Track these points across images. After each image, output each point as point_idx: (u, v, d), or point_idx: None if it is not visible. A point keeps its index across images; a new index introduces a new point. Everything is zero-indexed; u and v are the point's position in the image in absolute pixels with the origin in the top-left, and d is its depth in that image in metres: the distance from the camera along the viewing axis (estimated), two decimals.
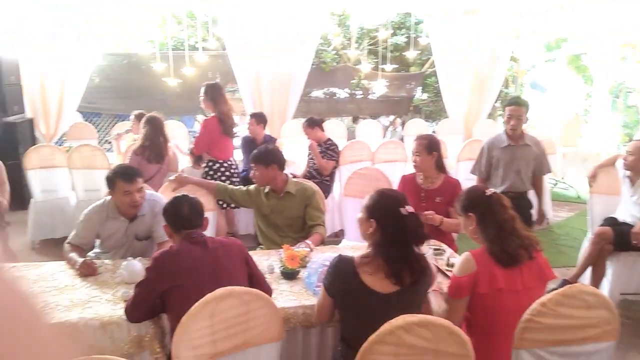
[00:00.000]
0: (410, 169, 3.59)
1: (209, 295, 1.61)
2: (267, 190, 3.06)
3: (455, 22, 6.57)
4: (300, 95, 6.86)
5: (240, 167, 4.63)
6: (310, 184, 3.20)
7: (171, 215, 2.18)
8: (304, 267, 2.44)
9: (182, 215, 2.13)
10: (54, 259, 2.98)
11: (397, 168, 4.97)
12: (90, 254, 2.81)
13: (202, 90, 4.21)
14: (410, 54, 6.85)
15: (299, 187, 3.04)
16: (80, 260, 2.48)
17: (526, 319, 1.77)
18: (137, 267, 2.34)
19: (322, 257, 2.41)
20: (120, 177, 2.65)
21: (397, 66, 7.25)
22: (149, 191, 2.87)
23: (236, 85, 6.69)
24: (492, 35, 6.64)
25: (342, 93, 8.82)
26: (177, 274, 1.95)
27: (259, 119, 4.83)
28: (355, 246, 2.92)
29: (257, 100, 6.67)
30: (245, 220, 4.90)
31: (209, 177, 4.12)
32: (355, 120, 9.94)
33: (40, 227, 4.68)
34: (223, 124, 4.18)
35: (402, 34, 8.01)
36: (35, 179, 4.62)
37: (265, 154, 2.97)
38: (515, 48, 7.71)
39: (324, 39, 7.44)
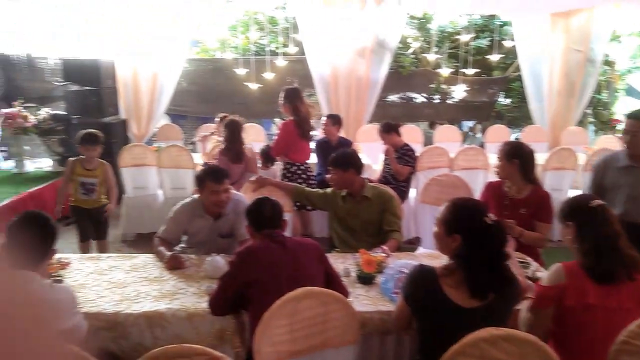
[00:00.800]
0: (493, 177, 3.46)
1: (289, 294, 1.65)
2: (343, 193, 3.07)
3: (544, 24, 6.24)
4: (377, 99, 6.85)
5: (315, 170, 4.70)
6: (388, 189, 3.18)
7: (254, 216, 2.24)
8: (380, 272, 2.42)
9: (265, 216, 2.19)
10: (142, 251, 3.20)
11: (477, 176, 4.81)
12: (177, 248, 2.97)
13: (281, 94, 4.31)
14: (494, 58, 6.60)
15: (376, 191, 3.03)
16: (169, 254, 2.63)
17: (622, 340, 1.64)
18: (220, 263, 2.44)
19: (399, 264, 2.38)
20: (210, 177, 2.78)
21: (478, 70, 7.02)
22: (233, 191, 2.99)
23: (313, 89, 6.79)
24: (585, 37, 6.24)
25: (419, 97, 8.68)
26: (257, 268, 2.02)
27: (335, 120, 4.85)
28: (432, 254, 2.85)
29: (333, 104, 6.74)
30: (320, 222, 4.95)
31: (286, 180, 4.21)
32: (432, 125, 9.74)
33: (130, 222, 5.01)
34: (300, 128, 4.26)
35: (485, 37, 7.75)
36: (128, 176, 4.95)
37: (343, 158, 2.99)
38: (610, 51, 7.19)
39: (403, 43, 7.36)
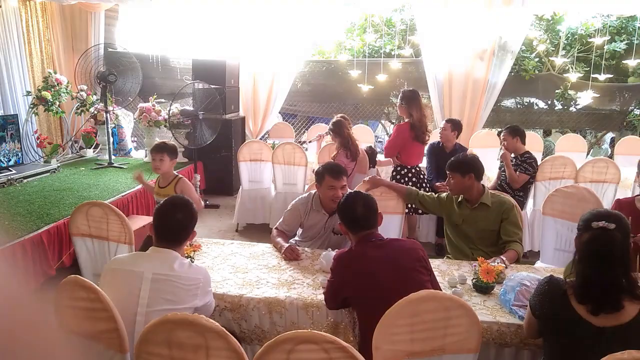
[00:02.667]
0: (625, 194, 3.17)
1: (412, 295, 1.64)
2: (460, 199, 2.99)
3: None
4: (493, 104, 6.56)
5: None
6: (509, 197, 3.03)
7: (346, 214, 2.21)
8: (499, 283, 2.32)
9: (357, 215, 2.16)
10: (253, 240, 3.36)
11: (605, 190, 4.41)
12: (292, 241, 3.09)
13: (400, 96, 4.30)
14: (631, 63, 5.99)
15: (495, 199, 2.91)
16: (286, 245, 2.75)
17: None
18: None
19: (519, 276, 2.27)
20: (329, 172, 2.87)
21: (611, 76, 6.41)
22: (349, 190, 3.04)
23: (426, 92, 6.68)
24: None
25: (539, 103, 8.14)
26: (353, 276, 2.01)
27: (455, 125, 4.72)
28: (554, 270, 2.66)
29: (446, 108, 6.57)
30: (427, 228, 4.87)
31: (395, 182, 4.19)
32: (548, 133, 9.08)
33: (244, 213, 5.31)
34: (415, 130, 4.22)
35: (622, 40, 7.05)
36: (245, 170, 5.26)
37: (464, 162, 2.91)
38: None
39: (527, 45, 6.95)
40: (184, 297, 1.87)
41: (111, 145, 6.08)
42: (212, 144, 5.75)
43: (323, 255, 2.54)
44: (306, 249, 2.86)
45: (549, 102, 7.86)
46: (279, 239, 2.87)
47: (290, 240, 3.08)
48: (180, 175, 3.56)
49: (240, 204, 5.31)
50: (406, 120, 4.27)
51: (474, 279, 2.34)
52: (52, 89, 5.92)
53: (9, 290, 0.39)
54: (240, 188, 5.34)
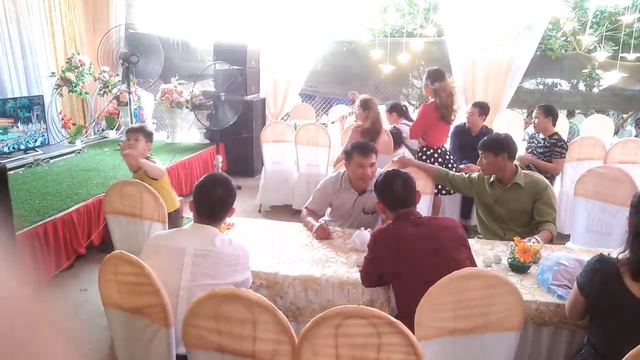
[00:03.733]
0: None
1: (457, 273, 1.64)
2: (492, 179, 2.96)
3: None
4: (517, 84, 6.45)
5: None
6: (542, 177, 2.99)
7: (385, 193, 2.19)
8: (535, 262, 2.31)
9: (396, 193, 2.13)
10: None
11: (636, 171, 4.33)
12: (321, 220, 3.10)
13: (425, 75, 4.24)
14: None
15: (528, 179, 2.87)
16: (317, 224, 2.76)
17: None
18: (367, 237, 2.50)
19: (556, 256, 2.25)
20: (357, 150, 2.85)
21: None
22: (379, 168, 3.03)
23: (448, 73, 6.58)
24: None
25: (562, 83, 7.98)
26: (392, 254, 2.00)
27: (483, 109, 4.67)
28: (589, 250, 2.63)
29: (469, 88, 6.49)
30: (451, 209, 4.84)
31: None
32: (571, 114, 8.90)
33: (267, 194, 5.33)
34: (441, 110, 4.16)
35: None
36: (268, 151, 5.26)
37: (497, 141, 2.87)
38: None
39: (553, 24, 6.78)
40: (225, 273, 1.89)
41: None
42: (233, 126, 5.75)
43: (356, 234, 2.54)
44: (337, 228, 2.86)
45: (573, 83, 7.70)
46: (310, 218, 2.88)
47: (320, 220, 3.08)
48: (155, 159, 3.47)
49: (264, 185, 5.33)
50: (431, 100, 4.21)
51: (509, 258, 2.33)
52: (76, 70, 5.96)
53: (7, 291, 0.38)
54: (263, 169, 5.35)
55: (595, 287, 1.69)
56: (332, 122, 5.89)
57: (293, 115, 7.13)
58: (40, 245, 3.55)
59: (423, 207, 3.33)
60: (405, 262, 1.96)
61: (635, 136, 6.66)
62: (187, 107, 6.37)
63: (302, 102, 8.39)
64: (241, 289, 1.55)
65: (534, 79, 7.91)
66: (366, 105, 4.48)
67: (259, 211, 5.39)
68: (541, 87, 8.01)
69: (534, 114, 4.42)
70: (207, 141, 6.58)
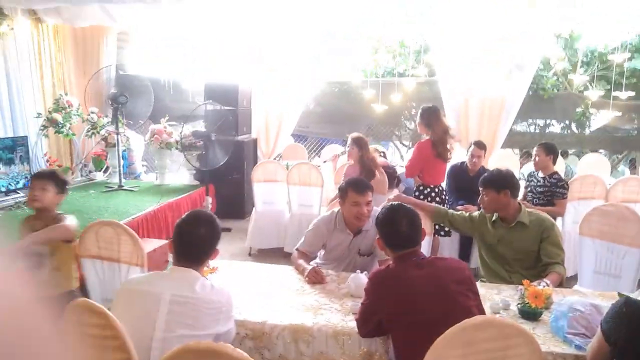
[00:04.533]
0: None
1: (467, 322, 1.44)
2: (494, 218, 2.79)
3: None
4: (511, 123, 6.40)
5: None
6: (547, 215, 2.83)
7: (387, 229, 1.99)
8: (547, 308, 2.11)
9: (401, 230, 1.94)
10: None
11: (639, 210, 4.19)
12: (313, 263, 2.89)
13: (419, 112, 4.16)
14: None
15: (533, 217, 2.71)
16: (309, 267, 2.56)
17: None
18: (363, 280, 2.30)
19: (569, 301, 2.05)
20: (352, 187, 2.69)
21: (633, 94, 6.25)
22: (377, 208, 2.87)
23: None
24: None
25: (554, 123, 7.97)
26: (393, 299, 1.80)
27: (480, 147, 4.58)
28: (603, 294, 2.44)
29: (462, 128, 6.43)
30: (449, 251, 4.65)
31: None
32: (564, 155, 8.87)
33: (257, 236, 5.12)
34: (436, 148, 4.05)
35: None
36: (259, 191, 5.09)
37: (499, 178, 2.72)
38: None
39: (545, 63, 6.83)
40: (205, 322, 1.68)
41: (121, 168, 5.96)
42: (224, 166, 5.61)
43: (351, 278, 2.34)
44: (330, 271, 2.66)
45: (566, 123, 7.70)
46: (301, 261, 2.68)
47: (312, 263, 2.88)
48: (66, 216, 2.62)
49: (254, 226, 5.13)
50: (427, 137, 4.11)
51: (519, 303, 2.13)
52: (63, 111, 5.84)
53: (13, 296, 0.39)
54: (254, 210, 5.17)
55: (623, 334, 1.50)
56: (325, 162, 5.77)
57: (285, 156, 7.02)
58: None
59: (422, 249, 3.14)
60: (407, 308, 1.75)
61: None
62: (176, 148, 6.23)
63: (294, 142, 8.31)
64: (220, 344, 1.34)
65: (525, 121, 7.91)
66: (359, 143, 4.36)
67: (249, 254, 5.17)
68: (533, 127, 8.01)
69: (534, 152, 4.31)
70: (197, 182, 6.40)
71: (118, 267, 2.54)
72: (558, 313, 2.01)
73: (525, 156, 7.22)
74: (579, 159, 7.30)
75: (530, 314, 2.08)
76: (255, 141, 6.96)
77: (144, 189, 5.89)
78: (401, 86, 6.71)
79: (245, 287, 2.41)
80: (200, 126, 6.54)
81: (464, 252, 4.43)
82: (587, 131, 7.59)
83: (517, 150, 8.33)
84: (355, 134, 4.42)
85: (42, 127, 5.79)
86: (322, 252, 2.96)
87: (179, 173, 6.89)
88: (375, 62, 7.53)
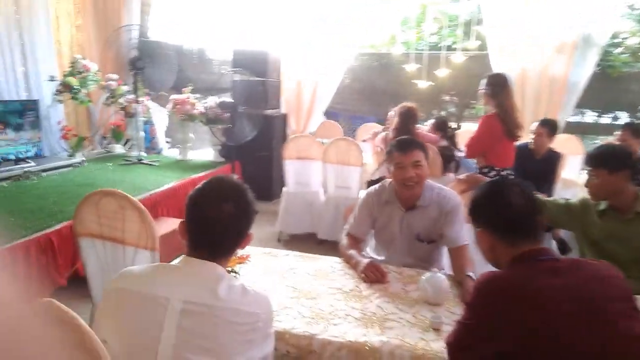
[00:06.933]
0: None
1: None
2: (602, 206, 2.16)
3: None
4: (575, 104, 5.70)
5: None
6: None
7: (492, 211, 1.33)
8: None
9: (514, 211, 1.29)
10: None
11: None
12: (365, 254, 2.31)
13: (485, 81, 3.51)
14: None
15: None
16: (365, 260, 1.98)
17: None
18: (444, 283, 1.72)
19: None
20: (396, 147, 2.13)
21: None
22: (436, 183, 2.26)
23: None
24: None
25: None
26: (522, 324, 1.14)
27: (552, 128, 3.93)
28: None
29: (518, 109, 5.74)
30: None
31: None
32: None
33: (288, 220, 4.58)
34: (506, 124, 3.40)
35: None
36: (291, 169, 4.54)
37: (614, 154, 2.09)
38: None
39: (615, 37, 6.06)
40: (234, 345, 1.11)
41: (142, 141, 5.47)
42: (250, 143, 5.08)
43: (427, 278, 1.75)
44: (390, 267, 2.07)
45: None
46: (352, 252, 2.10)
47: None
48: None
49: (284, 209, 4.58)
50: (493, 111, 3.46)
51: None
52: (79, 75, 5.36)
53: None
54: (285, 191, 4.61)
55: None
56: (364, 140, 5.16)
57: (318, 134, 6.42)
58: (5, 274, 2.81)
59: None
60: (541, 337, 1.13)
61: None
62: (200, 121, 5.71)
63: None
64: None
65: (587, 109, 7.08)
66: (405, 115, 3.77)
67: (278, 240, 4.63)
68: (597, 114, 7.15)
69: (619, 133, 3.65)
70: (222, 159, 5.89)
71: (123, 250, 2.01)
72: None
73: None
74: None
75: None
76: (284, 117, 6.39)
77: (165, 164, 5.43)
78: (449, 60, 6.04)
79: (283, 283, 1.85)
80: (226, 99, 6.01)
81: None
82: None
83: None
84: (404, 104, 3.82)
85: (56, 92, 5.32)
86: (372, 241, 2.39)
87: (203, 149, 6.40)
88: (419, 34, 6.84)
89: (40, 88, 5.41)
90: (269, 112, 5.96)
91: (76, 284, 3.28)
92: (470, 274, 1.86)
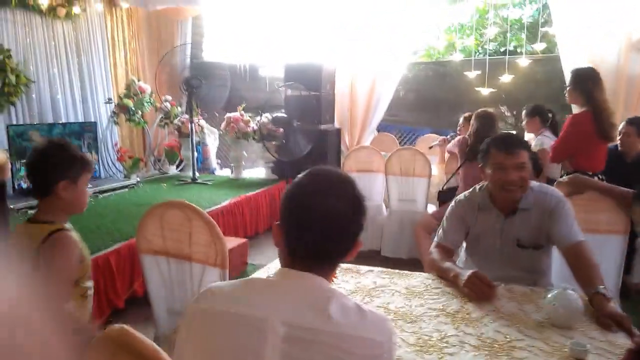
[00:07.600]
0: None
1: None
2: None
3: None
4: None
5: None
6: None
7: None
8: None
9: None
10: None
11: None
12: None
13: (571, 76, 3.16)
14: None
15: None
16: (468, 272, 1.67)
17: None
18: (578, 302, 1.40)
19: None
20: (495, 145, 1.83)
21: None
22: (535, 182, 1.94)
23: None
24: None
25: None
26: None
27: (634, 123, 3.50)
28: None
29: None
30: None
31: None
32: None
33: None
34: (599, 122, 3.03)
35: None
36: None
37: None
38: None
39: None
40: None
41: (195, 160, 5.39)
42: (304, 159, 4.90)
43: (555, 296, 1.43)
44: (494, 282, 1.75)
45: None
46: (449, 263, 1.81)
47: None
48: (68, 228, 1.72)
49: None
50: (583, 108, 3.09)
51: None
52: (135, 97, 5.37)
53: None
54: None
55: None
56: (430, 147, 4.84)
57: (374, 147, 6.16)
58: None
59: (612, 254, 2.20)
60: None
61: None
62: (253, 138, 5.58)
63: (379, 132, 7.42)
64: None
65: None
66: (481, 120, 3.46)
67: None
68: None
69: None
70: (275, 177, 5.73)
71: (190, 268, 1.80)
72: None
73: None
74: None
75: None
76: (339, 131, 6.17)
77: (219, 182, 5.33)
78: (514, 64, 5.67)
79: (374, 304, 1.58)
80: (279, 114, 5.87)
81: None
82: None
83: None
84: (482, 109, 3.54)
85: (112, 114, 5.34)
86: (462, 252, 2.09)
87: (256, 167, 6.27)
88: (477, 41, 6.50)
89: (97, 110, 5.46)
90: (324, 126, 5.77)
91: (134, 307, 3.14)
92: (601, 289, 1.52)
